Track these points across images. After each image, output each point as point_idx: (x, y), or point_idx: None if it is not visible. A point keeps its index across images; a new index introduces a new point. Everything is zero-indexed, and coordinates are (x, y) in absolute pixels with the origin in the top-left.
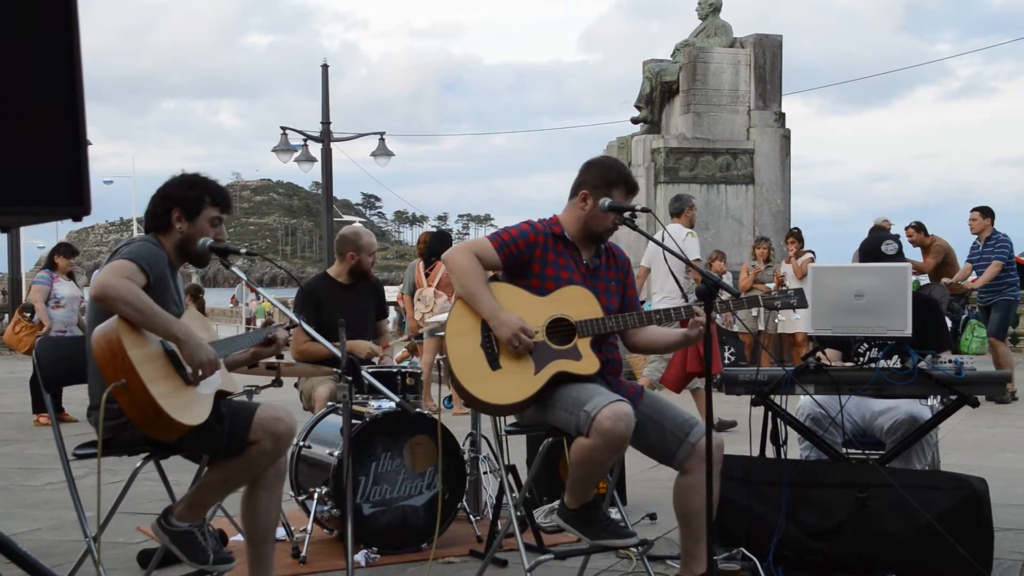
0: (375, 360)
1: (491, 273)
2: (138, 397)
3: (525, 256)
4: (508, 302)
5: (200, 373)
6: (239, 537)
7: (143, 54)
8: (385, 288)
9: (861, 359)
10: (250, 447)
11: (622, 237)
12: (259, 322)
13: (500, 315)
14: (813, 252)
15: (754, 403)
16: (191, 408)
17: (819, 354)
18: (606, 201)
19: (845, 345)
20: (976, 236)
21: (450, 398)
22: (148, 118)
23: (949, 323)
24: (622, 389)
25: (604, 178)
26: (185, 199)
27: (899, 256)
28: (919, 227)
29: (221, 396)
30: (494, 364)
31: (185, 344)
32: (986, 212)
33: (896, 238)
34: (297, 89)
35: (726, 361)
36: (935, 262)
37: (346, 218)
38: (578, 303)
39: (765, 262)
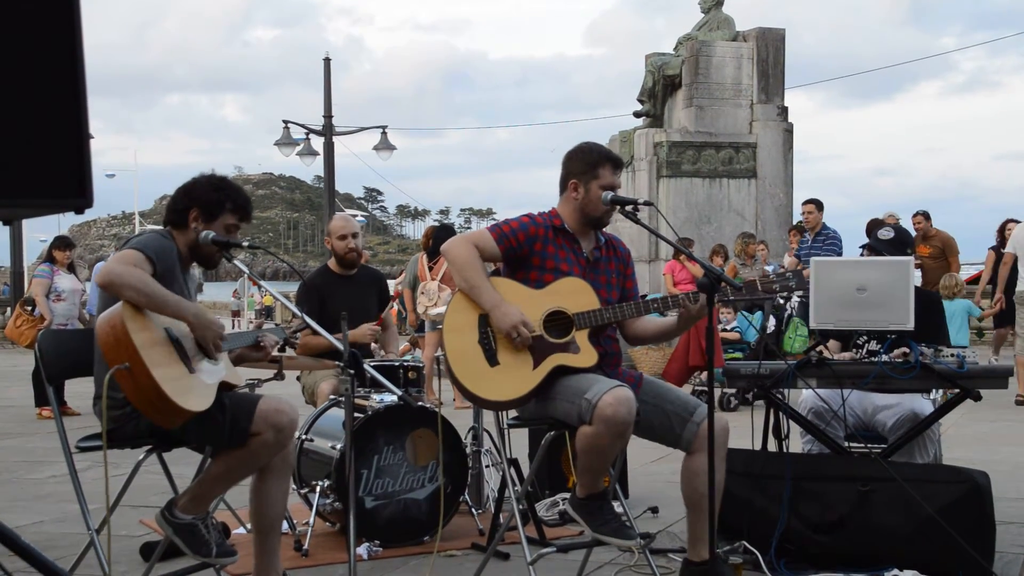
0: (374, 347)
1: (492, 267)
2: (141, 380)
3: (525, 248)
4: (505, 296)
5: (216, 345)
6: (242, 530)
7: (148, 48)
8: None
9: (860, 350)
10: (252, 439)
11: (624, 231)
12: (248, 315)
13: (502, 307)
14: None
15: (756, 397)
16: (194, 394)
17: (820, 347)
18: (608, 195)
19: (845, 336)
20: (809, 230)
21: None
22: (152, 112)
23: (772, 321)
24: (620, 379)
25: (587, 162)
26: (206, 201)
27: (895, 240)
28: (927, 216)
29: (225, 389)
30: (492, 360)
31: (196, 323)
32: (820, 205)
33: (899, 227)
34: (302, 83)
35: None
36: (930, 251)
37: (347, 212)
38: (575, 295)
39: (750, 258)
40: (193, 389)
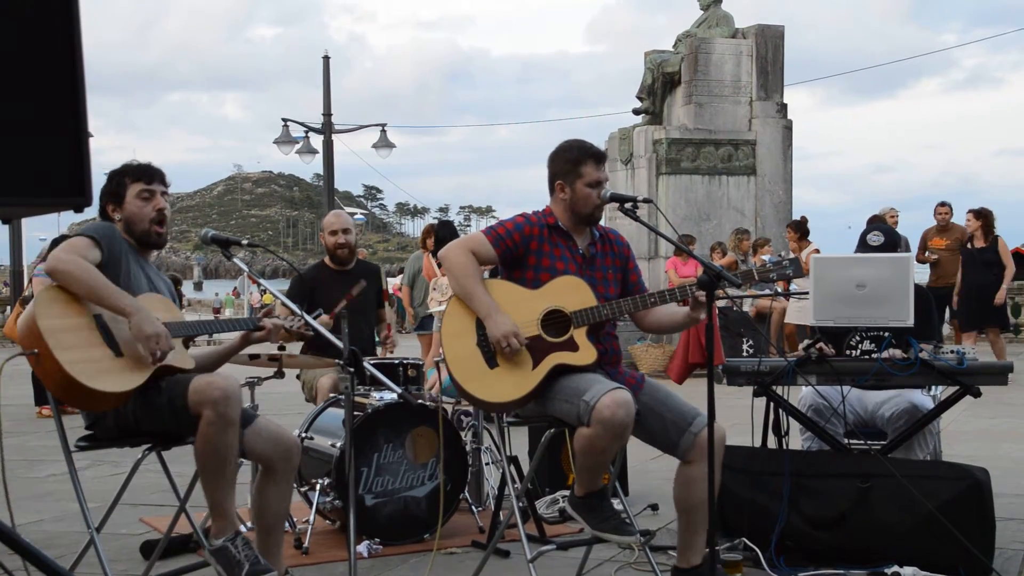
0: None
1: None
2: (47, 364)
3: (521, 249)
4: (502, 299)
5: (149, 347)
6: (243, 528)
7: (149, 47)
8: (388, 280)
9: (853, 351)
10: (199, 421)
11: (623, 228)
12: (227, 311)
13: (495, 316)
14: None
15: (756, 394)
16: (110, 376)
17: (820, 344)
18: (607, 192)
19: (839, 336)
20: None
21: None
22: (153, 110)
23: None
24: (621, 379)
25: (569, 161)
26: (108, 192)
27: (884, 247)
28: (951, 209)
29: (171, 372)
30: (491, 362)
31: (133, 316)
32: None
33: (887, 228)
34: (303, 81)
35: (745, 353)
36: (947, 243)
37: (347, 210)
38: (572, 293)
39: (743, 254)
40: (111, 372)
